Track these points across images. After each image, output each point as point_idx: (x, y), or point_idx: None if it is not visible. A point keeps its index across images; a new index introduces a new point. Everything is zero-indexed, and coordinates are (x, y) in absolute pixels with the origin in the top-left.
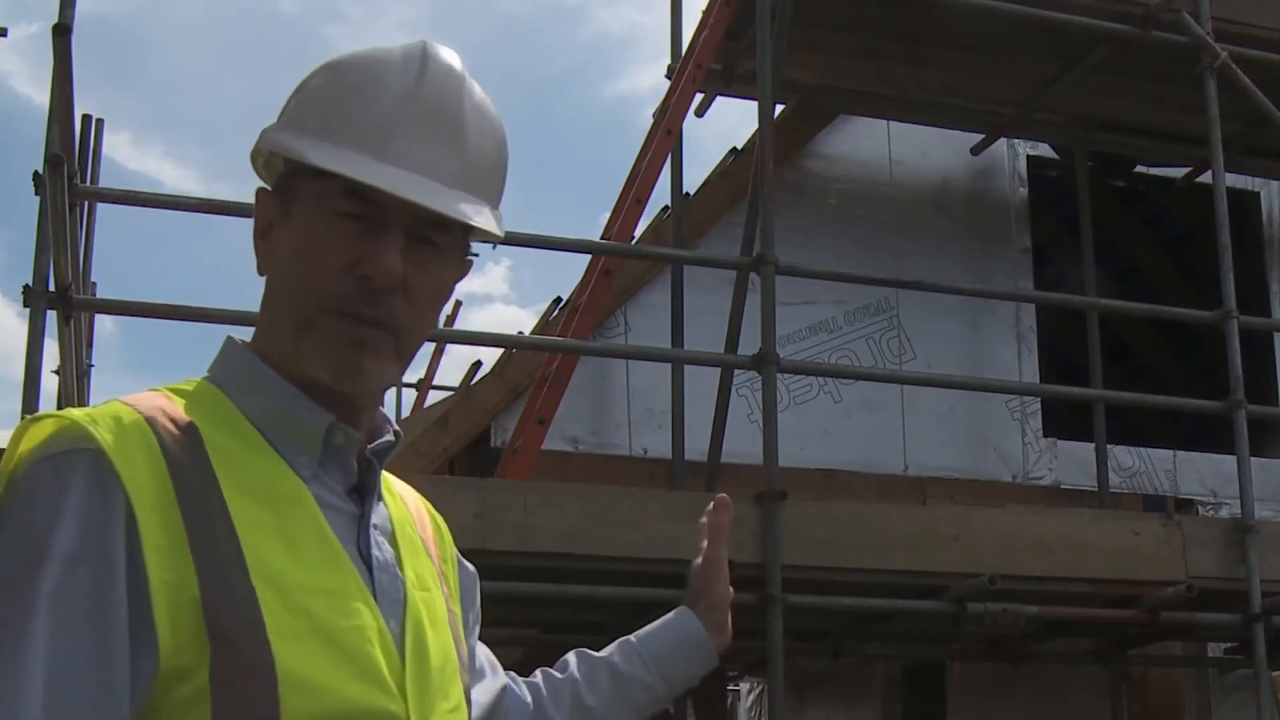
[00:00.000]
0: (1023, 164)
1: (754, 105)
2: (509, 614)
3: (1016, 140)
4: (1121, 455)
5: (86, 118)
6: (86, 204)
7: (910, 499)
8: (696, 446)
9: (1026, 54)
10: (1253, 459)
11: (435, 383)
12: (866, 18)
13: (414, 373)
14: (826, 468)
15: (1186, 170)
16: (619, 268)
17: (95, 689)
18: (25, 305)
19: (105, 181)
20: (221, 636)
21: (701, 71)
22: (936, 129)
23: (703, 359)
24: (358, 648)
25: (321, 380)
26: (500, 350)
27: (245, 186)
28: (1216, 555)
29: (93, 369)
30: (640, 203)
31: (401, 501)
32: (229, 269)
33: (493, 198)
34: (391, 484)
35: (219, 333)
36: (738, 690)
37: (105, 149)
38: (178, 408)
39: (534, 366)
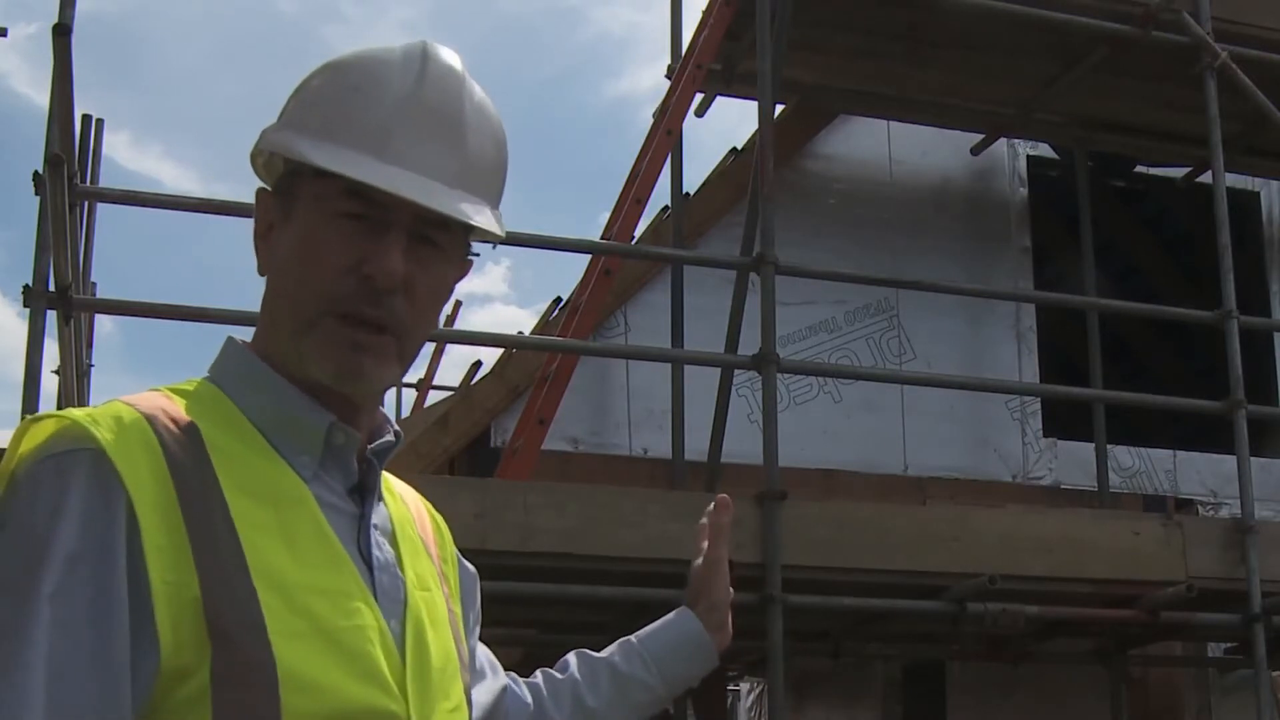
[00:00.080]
0: (1023, 164)
1: (754, 105)
2: (509, 614)
3: (1016, 140)
4: (1121, 455)
5: (86, 118)
6: (86, 204)
7: (910, 499)
8: (696, 446)
9: (1026, 54)
10: (1253, 459)
11: (435, 383)
12: (866, 18)
13: (414, 373)
14: (826, 468)
15: (1186, 170)
16: (619, 268)
17: (97, 689)
18: (25, 305)
19: (105, 181)
20: (222, 636)
21: (701, 71)
22: (936, 129)
23: (703, 359)
24: (358, 647)
25: (323, 381)
26: (500, 350)
27: (245, 186)
28: (1216, 555)
29: (93, 369)
30: (640, 203)
31: (402, 501)
32: (229, 269)
33: (493, 197)
34: (392, 484)
35: (219, 333)
36: (738, 690)
37: (105, 149)
38: (178, 408)
39: (534, 366)
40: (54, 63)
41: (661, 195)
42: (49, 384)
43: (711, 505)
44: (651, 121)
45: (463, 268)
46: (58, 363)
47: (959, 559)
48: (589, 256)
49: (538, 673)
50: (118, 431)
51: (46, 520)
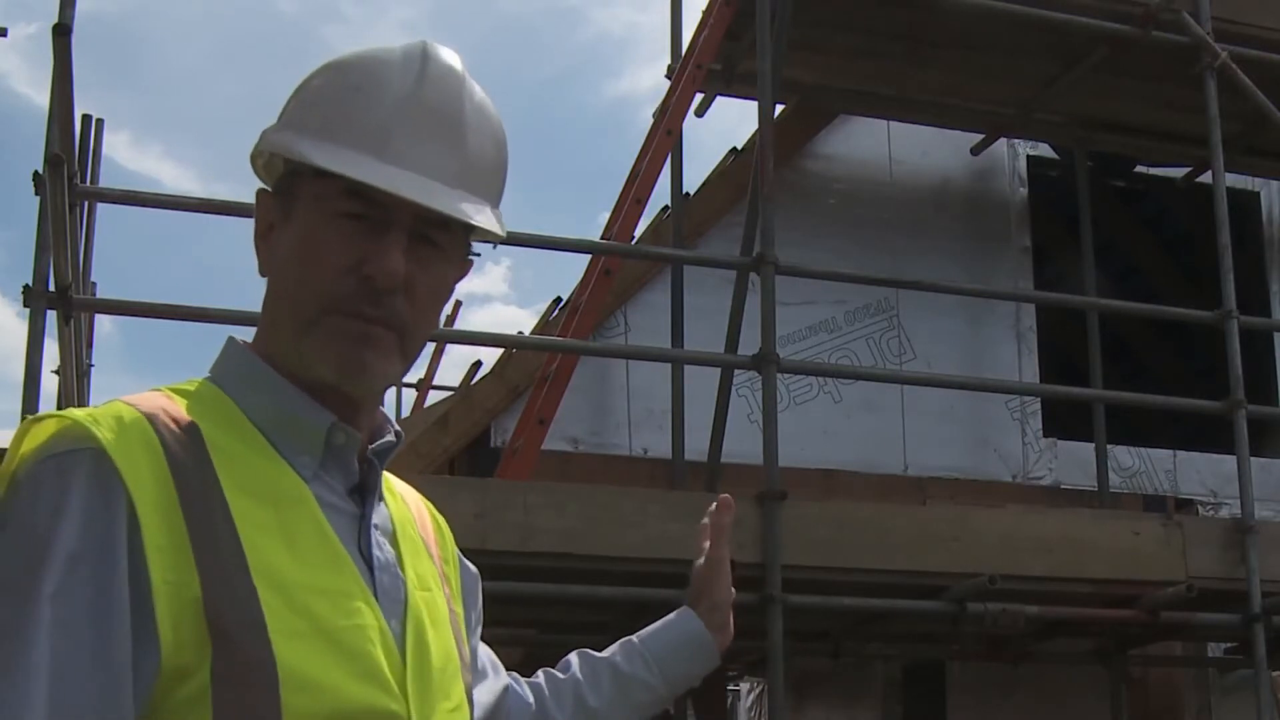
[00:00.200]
0: (1023, 164)
1: (754, 105)
2: (509, 614)
3: (1016, 140)
4: (1121, 455)
5: (86, 118)
6: (86, 204)
7: (910, 499)
8: (696, 446)
9: (1026, 54)
10: (1253, 459)
11: (435, 383)
12: (866, 18)
13: (414, 373)
14: (826, 468)
15: (1186, 170)
16: (619, 268)
17: (98, 689)
18: (25, 305)
19: (105, 181)
20: (223, 636)
21: (701, 71)
22: (936, 129)
23: (703, 359)
24: (359, 647)
25: (326, 379)
26: (500, 350)
27: (245, 186)
28: (1216, 555)
29: (93, 369)
30: (640, 203)
31: (403, 502)
32: (229, 269)
33: (493, 197)
34: (392, 484)
35: (219, 333)
36: (738, 690)
37: (105, 149)
38: (179, 407)
39: (534, 366)
40: (54, 63)
41: (661, 195)
42: (49, 384)
43: (713, 505)
44: (651, 121)
45: (463, 267)
46: (58, 363)
47: (959, 559)
48: (589, 256)
49: (539, 672)
50: (119, 431)
51: (48, 520)
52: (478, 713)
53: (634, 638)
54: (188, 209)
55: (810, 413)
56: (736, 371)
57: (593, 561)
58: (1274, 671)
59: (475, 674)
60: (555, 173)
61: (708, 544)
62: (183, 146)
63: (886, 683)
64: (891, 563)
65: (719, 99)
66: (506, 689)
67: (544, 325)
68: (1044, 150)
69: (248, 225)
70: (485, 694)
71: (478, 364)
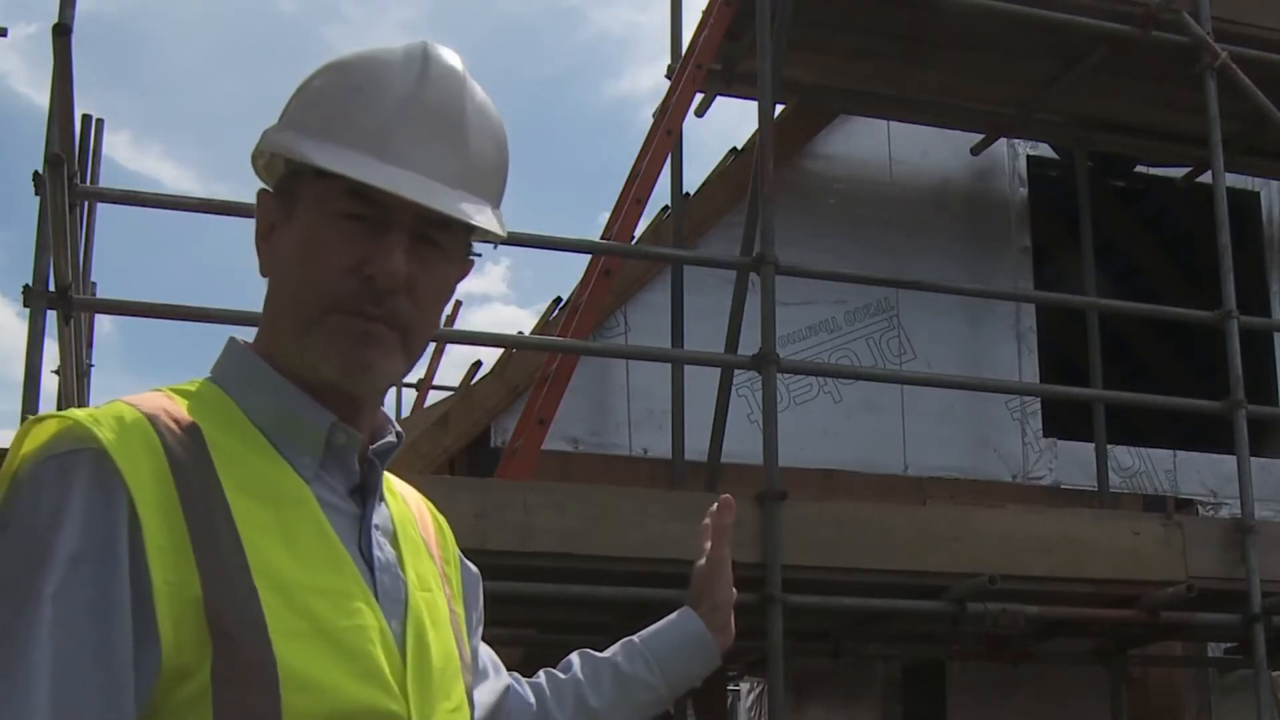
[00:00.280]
0: (1023, 164)
1: (754, 105)
2: (509, 614)
3: (1016, 140)
4: (1121, 455)
5: (86, 118)
6: (86, 204)
7: (910, 499)
8: (696, 446)
9: (1026, 54)
10: (1253, 459)
11: (435, 383)
12: (866, 18)
13: (414, 373)
14: (826, 468)
15: (1186, 170)
16: (619, 268)
17: (99, 689)
18: (25, 305)
19: (105, 181)
20: (223, 636)
21: (701, 71)
22: (936, 129)
23: (703, 359)
24: (359, 647)
25: (329, 378)
26: (500, 350)
27: (245, 186)
28: (1216, 555)
29: (93, 369)
30: (640, 203)
31: (403, 502)
32: (229, 269)
33: (494, 197)
34: (393, 484)
35: (219, 333)
36: (738, 690)
37: (105, 149)
38: (180, 408)
39: (534, 366)
40: (54, 63)
41: (661, 195)
42: (49, 384)
43: (714, 505)
44: (651, 121)
45: (464, 267)
46: (58, 363)
47: (959, 559)
48: (589, 256)
49: (540, 673)
50: (120, 431)
51: (49, 520)
52: (479, 713)
53: (635, 638)
54: (188, 209)
55: (810, 413)
56: (736, 371)
57: (593, 561)
58: (1274, 671)
59: (476, 674)
60: (555, 173)
61: (709, 544)
62: (183, 146)
63: (886, 683)
64: (891, 563)
65: (719, 99)
66: (507, 689)
67: (544, 325)
68: (1044, 150)
69: (248, 225)
70: (486, 694)
71: (478, 364)
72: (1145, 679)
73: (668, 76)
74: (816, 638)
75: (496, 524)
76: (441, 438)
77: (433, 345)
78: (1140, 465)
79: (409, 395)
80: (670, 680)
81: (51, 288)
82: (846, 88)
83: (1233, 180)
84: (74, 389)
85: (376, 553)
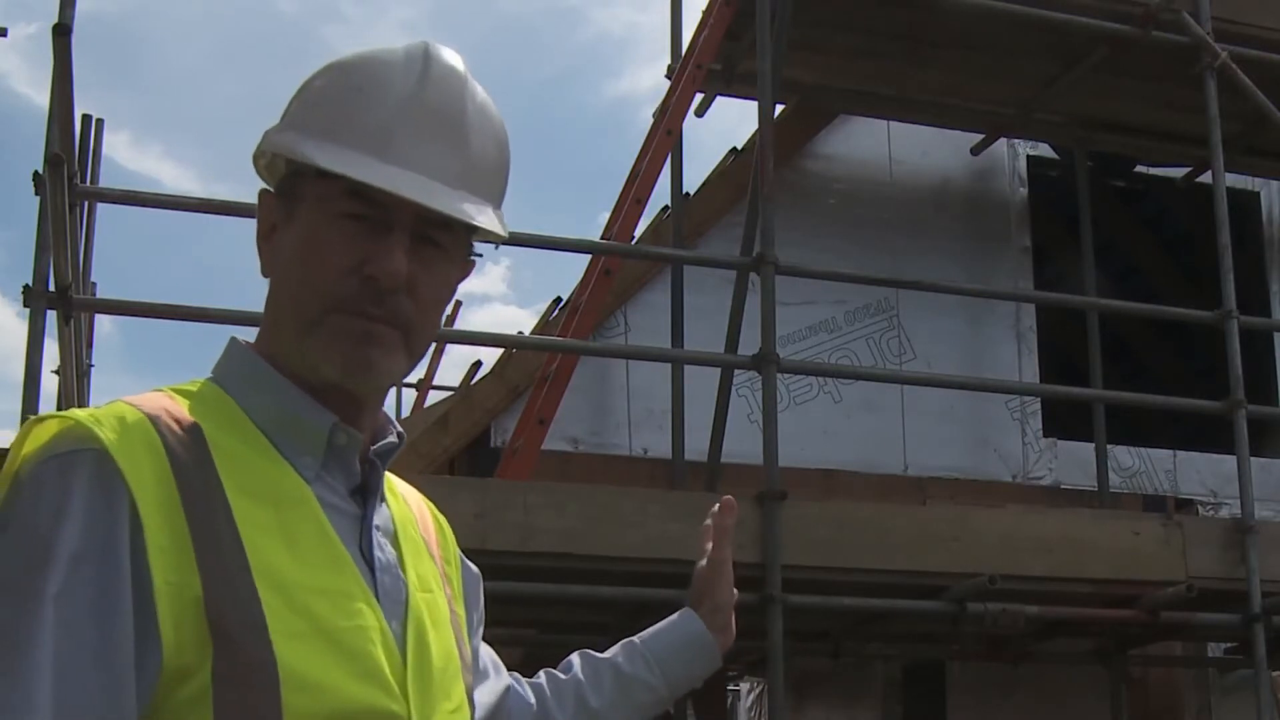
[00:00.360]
0: (1023, 164)
1: (754, 105)
2: (509, 614)
3: (1016, 140)
4: (1121, 455)
5: (86, 118)
6: (86, 204)
7: (910, 499)
8: (696, 446)
9: (1026, 54)
10: (1253, 459)
11: (435, 383)
12: (866, 18)
13: (414, 373)
14: (826, 468)
15: (1186, 170)
16: (619, 268)
17: (101, 689)
18: (25, 305)
19: (105, 181)
20: (224, 636)
21: (701, 71)
22: (936, 129)
23: (703, 359)
24: (359, 648)
25: (331, 377)
26: (500, 350)
27: (245, 186)
28: (1216, 555)
29: (93, 369)
30: (640, 203)
31: (404, 502)
32: (229, 269)
33: (495, 198)
34: (394, 485)
35: (219, 333)
36: (738, 690)
37: (105, 149)
38: (181, 408)
39: (534, 366)
40: (54, 63)
41: (661, 195)
42: (49, 384)
43: (716, 507)
44: (651, 121)
45: (465, 268)
46: (58, 363)
47: (959, 559)
48: (589, 256)
49: (541, 673)
50: (121, 432)
51: (50, 521)
52: (479, 713)
53: (635, 638)
54: (188, 209)
55: (810, 413)
56: (736, 371)
57: (593, 561)
58: (1274, 671)
59: (477, 674)
60: (555, 173)
61: (710, 545)
62: (183, 146)
63: (886, 683)
64: (891, 563)
65: (719, 99)
66: (508, 689)
67: (544, 325)
68: (1044, 150)
69: (248, 225)
70: (486, 694)
71: (478, 364)
72: (1145, 679)
73: (668, 76)
74: (816, 638)
75: (496, 524)
76: (441, 438)
77: (433, 345)
78: (1140, 465)
79: (409, 395)
80: (671, 681)
81: (51, 288)
82: (846, 88)
83: (1233, 180)
84: (74, 389)
85: (377, 553)
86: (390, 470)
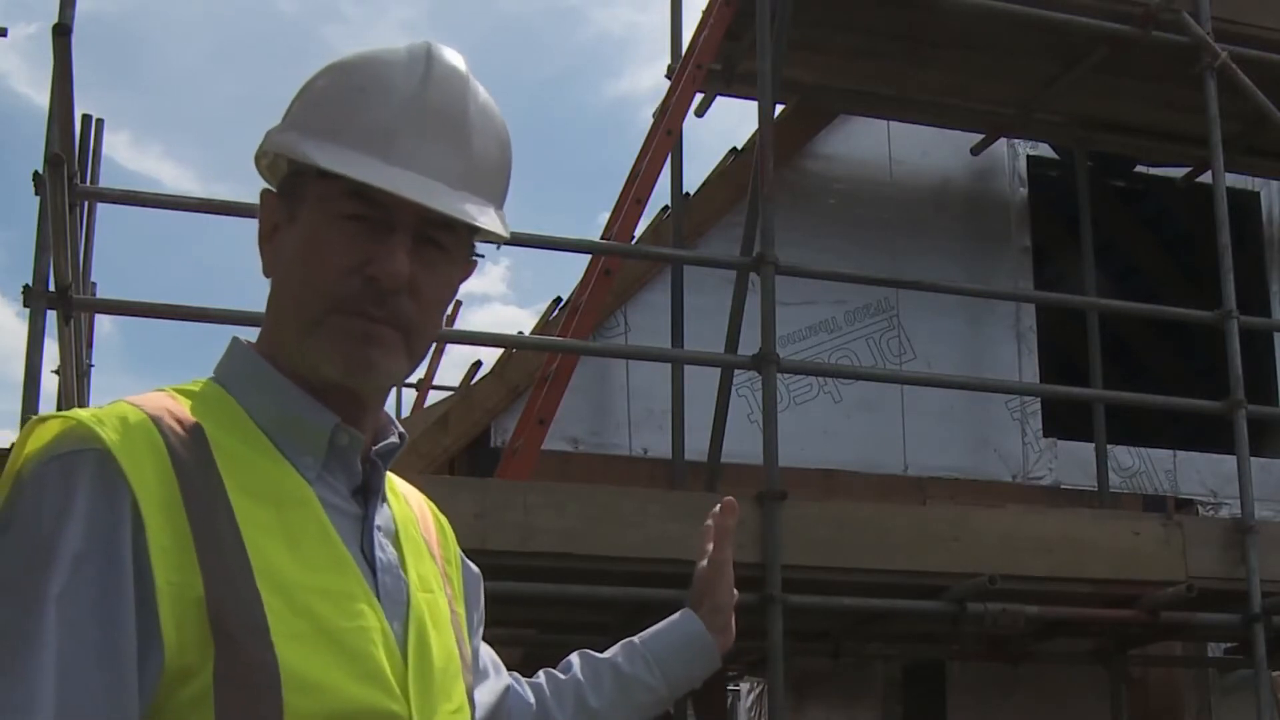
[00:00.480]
0: (1023, 164)
1: (754, 105)
2: (509, 614)
3: (1016, 140)
4: (1121, 455)
5: (86, 118)
6: (86, 204)
7: (910, 499)
8: (696, 446)
9: (1026, 54)
10: (1253, 459)
11: (435, 383)
12: (866, 18)
13: (414, 373)
14: (826, 468)
15: (1186, 170)
16: (619, 268)
17: (103, 689)
18: (25, 305)
19: (105, 181)
20: (226, 637)
21: (701, 71)
22: (936, 129)
23: (703, 359)
24: (361, 649)
25: (332, 377)
26: (500, 350)
27: (245, 186)
28: (1216, 555)
29: (93, 369)
30: (640, 203)
31: (405, 502)
32: (229, 269)
33: (497, 198)
34: (395, 484)
35: (219, 333)
36: (738, 690)
37: (105, 149)
38: (183, 408)
39: (534, 366)
40: (54, 63)
41: (661, 195)
42: (49, 384)
43: (717, 507)
44: (651, 121)
45: (467, 268)
46: (58, 363)
47: (959, 559)
48: (589, 256)
49: (541, 673)
50: (123, 432)
51: (52, 521)
52: (479, 713)
53: (635, 639)
54: (188, 209)
55: (810, 413)
56: (736, 371)
57: (593, 561)
58: (1274, 671)
59: (477, 674)
60: (555, 173)
61: (710, 546)
62: (183, 146)
63: (886, 683)
64: (891, 563)
65: (719, 99)
66: (507, 689)
67: (544, 325)
68: (1044, 150)
69: (248, 225)
70: (486, 694)
71: (478, 364)
72: (1145, 679)
73: (668, 76)
74: (816, 638)
75: (496, 524)
76: (441, 438)
77: (433, 345)
78: (1140, 465)
79: (409, 395)
80: (670, 681)
81: (51, 288)
82: (846, 88)
83: (1233, 180)
84: (74, 389)
85: (378, 554)
86: (390, 470)
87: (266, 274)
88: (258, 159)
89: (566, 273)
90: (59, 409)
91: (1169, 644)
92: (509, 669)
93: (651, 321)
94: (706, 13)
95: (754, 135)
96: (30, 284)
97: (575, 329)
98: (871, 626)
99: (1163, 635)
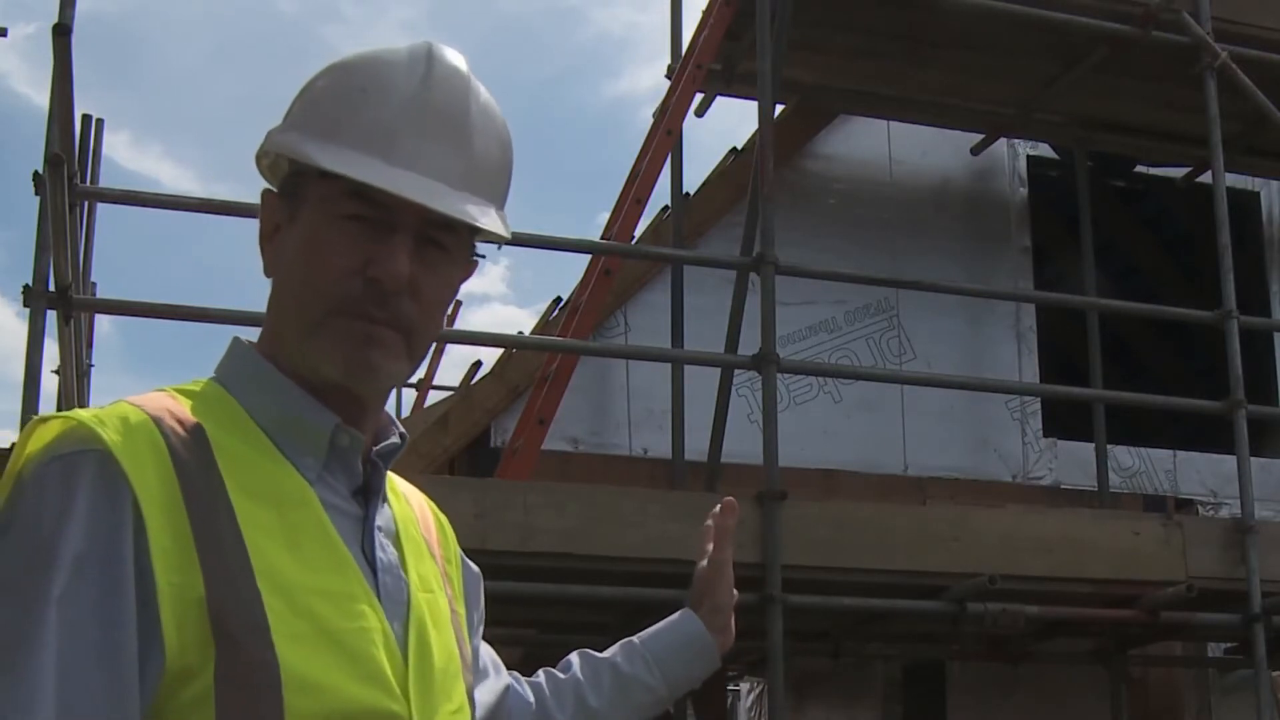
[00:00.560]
0: (1023, 164)
1: (754, 105)
2: (509, 614)
3: (1016, 140)
4: (1121, 455)
5: (86, 118)
6: (86, 204)
7: (910, 499)
8: (696, 446)
9: (1026, 54)
10: (1253, 459)
11: (435, 383)
12: (866, 18)
13: (414, 373)
14: (826, 468)
15: (1186, 170)
16: (619, 268)
17: (104, 690)
18: (25, 305)
19: (105, 181)
20: (226, 637)
21: (701, 71)
22: (936, 129)
23: (703, 359)
24: (361, 649)
25: (332, 378)
26: (500, 350)
27: (245, 186)
28: (1216, 555)
29: (93, 369)
30: (640, 203)
31: (405, 502)
32: (229, 269)
33: (498, 199)
34: (396, 484)
35: (219, 333)
36: (738, 690)
37: (105, 149)
38: (184, 409)
39: (534, 366)
40: (54, 63)
41: (661, 195)
42: (49, 384)
43: (717, 507)
44: (651, 121)
45: (468, 268)
46: (58, 363)
47: (959, 559)
48: (589, 256)
49: (540, 672)
50: (124, 433)
51: (53, 521)
52: (479, 712)
53: (635, 638)
54: (188, 209)
55: (810, 413)
56: (736, 371)
57: (593, 561)
58: (1274, 671)
59: (476, 674)
60: (555, 173)
61: (710, 546)
62: (183, 146)
63: (886, 683)
64: (891, 563)
65: (719, 99)
66: (507, 689)
67: (544, 325)
68: (1044, 150)
69: (247, 225)
70: (486, 694)
71: (478, 364)
72: (1145, 679)
73: (668, 76)
74: (816, 638)
75: (496, 524)
76: (441, 438)
77: (433, 345)
78: (1140, 465)
79: (409, 395)
80: (670, 681)
81: (51, 288)
82: (846, 88)
83: (1233, 180)
84: (74, 389)
85: (379, 554)
86: (391, 470)
87: (267, 274)
88: (258, 159)
89: (566, 273)
90: (59, 409)
91: (1169, 644)
92: (509, 669)
93: (651, 321)
94: (706, 13)
95: (754, 135)
96: (30, 284)
97: (575, 329)
98: (871, 626)
99: (1163, 635)
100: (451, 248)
